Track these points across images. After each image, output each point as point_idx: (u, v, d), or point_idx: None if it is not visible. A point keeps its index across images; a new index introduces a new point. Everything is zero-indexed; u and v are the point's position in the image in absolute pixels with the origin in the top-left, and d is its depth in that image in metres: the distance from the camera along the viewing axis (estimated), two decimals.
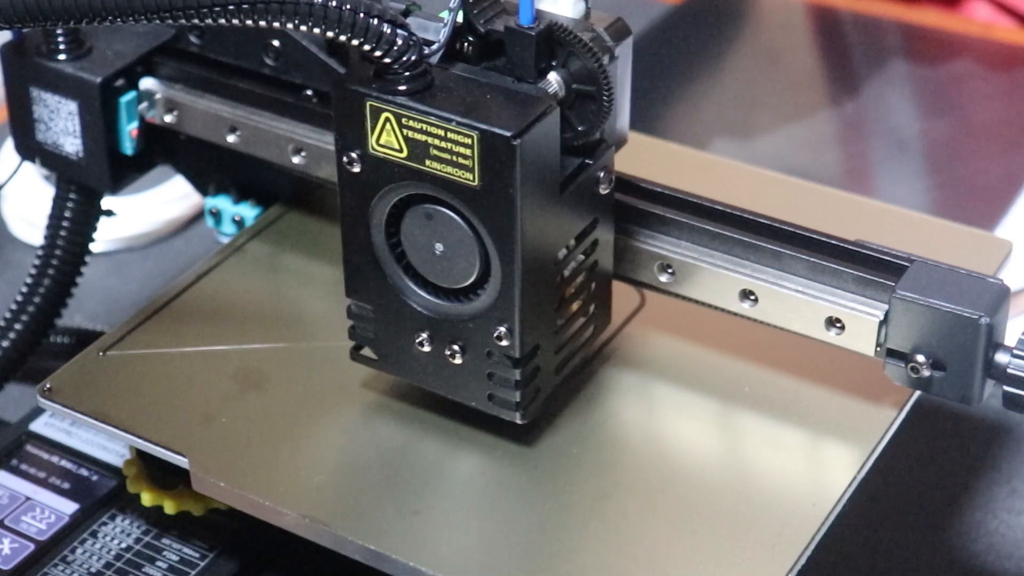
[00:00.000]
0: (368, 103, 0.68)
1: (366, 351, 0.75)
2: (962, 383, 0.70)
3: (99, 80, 0.82)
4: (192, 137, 0.85)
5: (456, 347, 0.71)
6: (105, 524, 0.80)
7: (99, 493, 0.82)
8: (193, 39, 0.84)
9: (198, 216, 1.10)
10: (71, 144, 0.84)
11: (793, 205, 0.78)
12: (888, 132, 1.20)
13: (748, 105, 1.24)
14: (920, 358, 0.70)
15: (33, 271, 0.86)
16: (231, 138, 0.83)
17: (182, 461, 0.73)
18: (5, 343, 0.86)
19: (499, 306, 0.69)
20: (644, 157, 0.80)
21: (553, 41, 0.69)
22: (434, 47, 0.69)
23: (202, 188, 0.90)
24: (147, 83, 0.84)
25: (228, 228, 0.88)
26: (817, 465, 0.74)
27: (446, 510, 0.71)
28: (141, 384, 0.77)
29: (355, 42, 0.66)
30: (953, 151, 1.19)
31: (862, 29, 1.33)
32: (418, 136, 0.67)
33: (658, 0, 1.36)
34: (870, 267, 0.72)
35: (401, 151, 0.68)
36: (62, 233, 0.86)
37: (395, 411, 0.76)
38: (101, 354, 0.78)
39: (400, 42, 0.66)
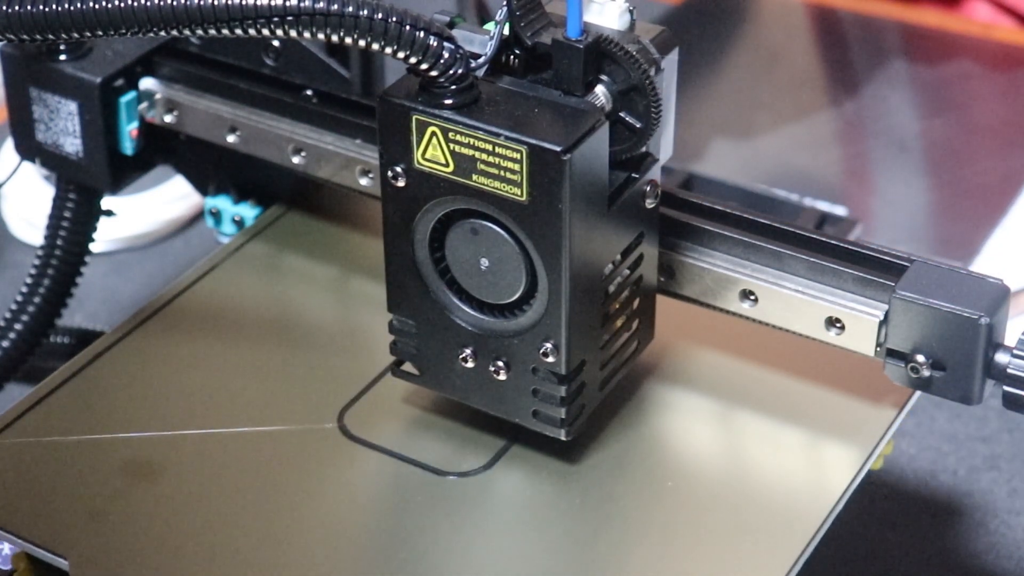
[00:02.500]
0: (414, 117, 0.67)
1: (407, 367, 0.73)
2: (962, 383, 0.70)
3: (99, 80, 0.82)
4: (192, 137, 0.85)
5: (500, 363, 0.70)
6: None
7: None
8: (193, 39, 0.84)
9: (198, 216, 1.11)
10: (71, 144, 0.84)
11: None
12: (888, 132, 1.20)
13: (748, 105, 1.24)
14: (920, 358, 0.70)
15: (33, 271, 0.86)
16: (231, 138, 0.83)
17: (62, 563, 0.68)
18: (5, 343, 0.86)
19: (545, 322, 0.68)
20: None
21: (600, 54, 0.68)
22: (480, 60, 0.67)
23: (202, 188, 0.90)
24: (147, 83, 0.84)
25: (228, 228, 0.88)
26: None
27: None
28: (25, 476, 0.72)
29: (401, 55, 0.65)
30: (953, 151, 1.19)
31: (862, 29, 1.33)
32: (465, 151, 0.66)
33: (658, 0, 1.36)
34: (870, 267, 0.72)
35: (447, 166, 0.67)
36: (62, 233, 0.86)
37: (303, 512, 0.71)
38: None
39: (447, 55, 0.65)
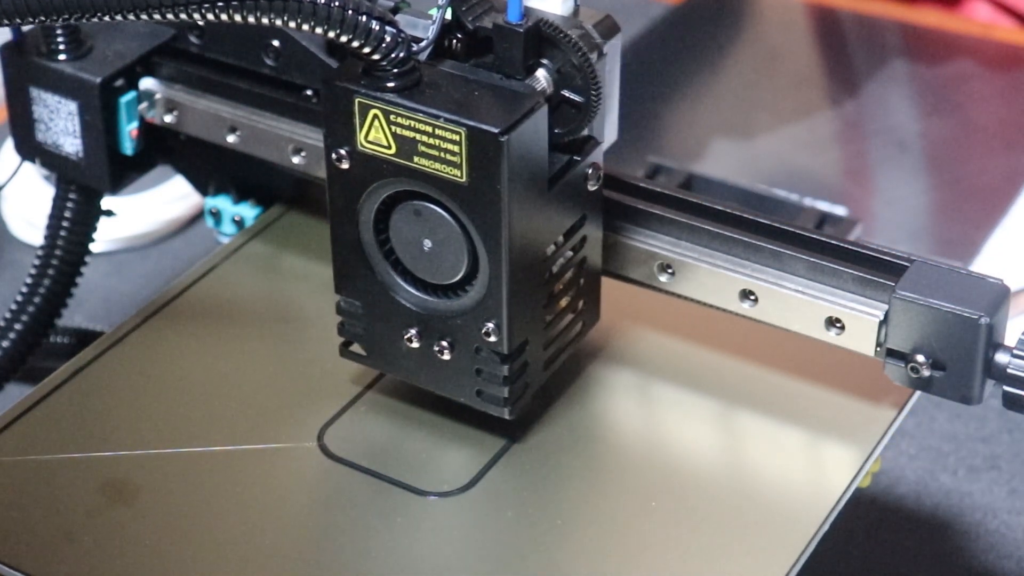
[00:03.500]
0: (357, 100, 0.68)
1: (355, 347, 0.74)
2: (962, 383, 0.70)
3: (99, 80, 0.82)
4: (192, 137, 0.85)
5: (444, 343, 0.71)
6: None
7: None
8: (193, 39, 0.84)
9: (198, 216, 1.11)
10: (71, 144, 0.84)
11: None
12: (888, 132, 1.20)
13: (748, 105, 1.24)
14: (920, 358, 0.70)
15: (33, 271, 0.86)
16: (231, 138, 0.83)
17: None
18: (5, 343, 0.86)
19: (487, 302, 0.70)
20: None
21: (541, 38, 0.69)
22: (422, 44, 0.69)
23: (202, 188, 0.90)
24: (147, 83, 0.84)
25: (228, 228, 0.88)
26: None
27: None
28: (2, 496, 0.71)
29: (344, 39, 0.66)
30: (953, 151, 1.19)
31: (862, 29, 1.33)
32: (406, 133, 0.68)
33: (658, 0, 1.36)
34: (870, 267, 0.72)
35: (389, 148, 0.68)
36: (62, 233, 0.86)
37: (283, 531, 0.70)
38: None
39: (389, 39, 0.67)
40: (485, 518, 0.71)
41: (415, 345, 0.72)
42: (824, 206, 1.07)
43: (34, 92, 0.84)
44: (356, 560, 0.69)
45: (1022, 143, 1.19)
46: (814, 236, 0.73)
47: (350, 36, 0.66)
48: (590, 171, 0.72)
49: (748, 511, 0.71)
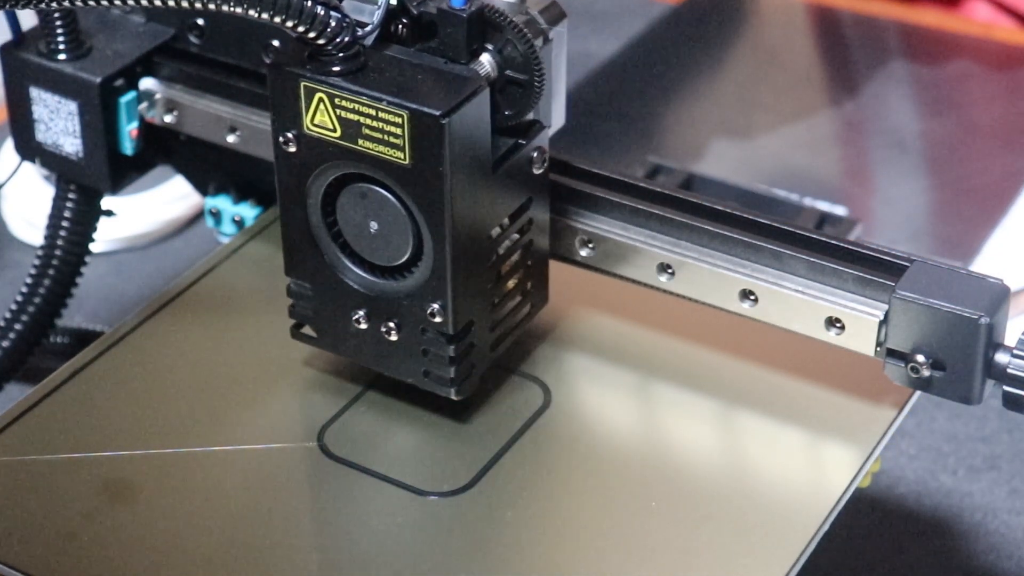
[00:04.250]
0: (302, 84, 0.69)
1: (306, 329, 0.75)
2: (962, 383, 0.70)
3: (99, 80, 0.82)
4: (192, 137, 0.85)
5: (392, 324, 0.72)
6: None
7: None
8: (193, 39, 0.84)
9: (198, 216, 1.11)
10: (71, 144, 0.84)
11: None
12: (888, 132, 1.20)
13: (748, 105, 1.24)
14: (920, 358, 0.70)
15: (33, 271, 0.86)
16: (231, 138, 0.83)
17: None
18: (5, 343, 0.86)
19: (432, 283, 0.71)
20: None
21: (486, 23, 0.70)
22: (367, 29, 0.70)
23: (202, 188, 0.90)
24: (147, 83, 0.84)
25: (228, 228, 0.88)
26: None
27: None
28: (2, 496, 0.71)
29: (289, 24, 0.67)
30: (953, 151, 1.19)
31: (862, 29, 1.33)
32: (351, 116, 0.69)
33: (658, 0, 1.36)
34: (870, 267, 0.72)
35: (335, 131, 0.69)
36: (62, 233, 0.86)
37: (281, 532, 0.70)
38: None
39: (334, 24, 0.68)
40: (485, 518, 0.71)
41: (363, 326, 0.73)
42: (824, 206, 1.07)
43: (34, 92, 0.84)
44: (356, 560, 0.69)
45: (1022, 143, 1.19)
46: (814, 236, 0.73)
47: (295, 21, 0.67)
48: (535, 155, 0.73)
49: (748, 511, 0.71)
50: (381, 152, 0.69)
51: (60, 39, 0.82)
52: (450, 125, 0.67)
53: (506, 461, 0.73)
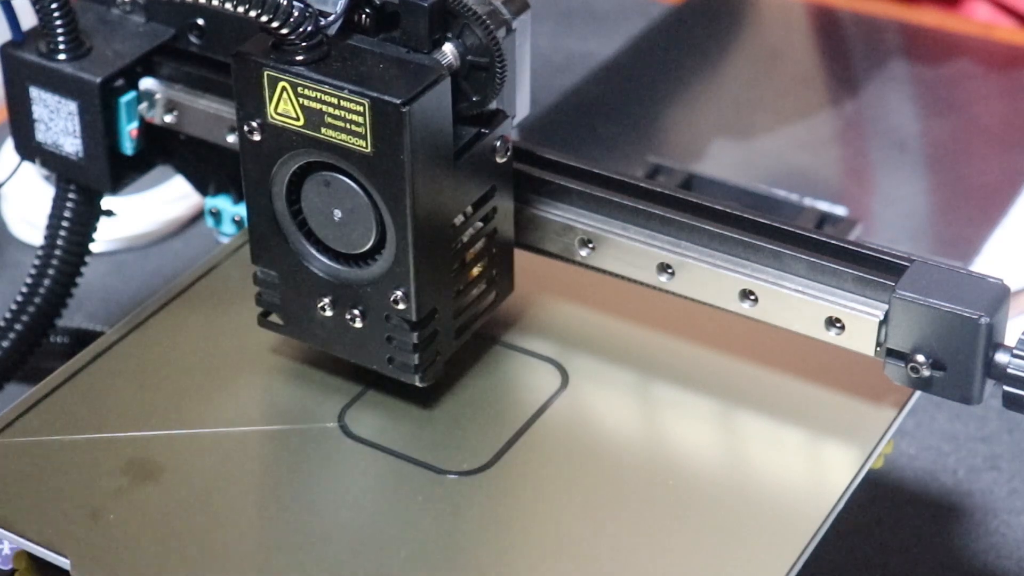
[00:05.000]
0: (266, 73, 0.70)
1: (273, 317, 0.76)
2: (962, 383, 0.70)
3: (99, 80, 0.82)
4: (192, 137, 0.85)
5: (356, 311, 0.73)
6: None
7: None
8: (193, 39, 0.84)
9: (198, 216, 1.11)
10: (71, 144, 0.84)
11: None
12: (888, 132, 1.20)
13: (748, 105, 1.24)
14: (920, 358, 0.70)
15: (33, 271, 0.86)
16: (231, 138, 0.83)
17: (64, 562, 0.69)
18: (5, 343, 0.86)
19: (395, 270, 0.71)
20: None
21: (448, 12, 0.71)
22: (331, 19, 0.71)
23: (202, 188, 0.90)
24: (147, 83, 0.84)
25: (228, 228, 0.88)
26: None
27: None
28: (27, 475, 0.72)
29: (252, 13, 0.68)
30: (953, 151, 1.19)
31: (862, 29, 1.33)
32: (313, 104, 0.69)
33: (658, 0, 1.36)
34: (870, 267, 0.72)
35: (298, 119, 0.70)
36: (62, 233, 0.86)
37: (304, 508, 0.71)
38: None
39: (296, 13, 0.69)
40: (503, 497, 0.72)
41: (328, 314, 0.74)
42: (824, 206, 1.07)
43: (34, 92, 0.84)
44: (376, 538, 0.70)
45: (1022, 143, 1.19)
46: (814, 236, 0.73)
47: (259, 11, 0.68)
48: (498, 144, 0.73)
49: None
50: (344, 140, 0.70)
51: (60, 39, 0.82)
52: (411, 113, 0.68)
53: (524, 442, 0.74)
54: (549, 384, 0.77)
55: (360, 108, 0.69)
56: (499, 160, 0.74)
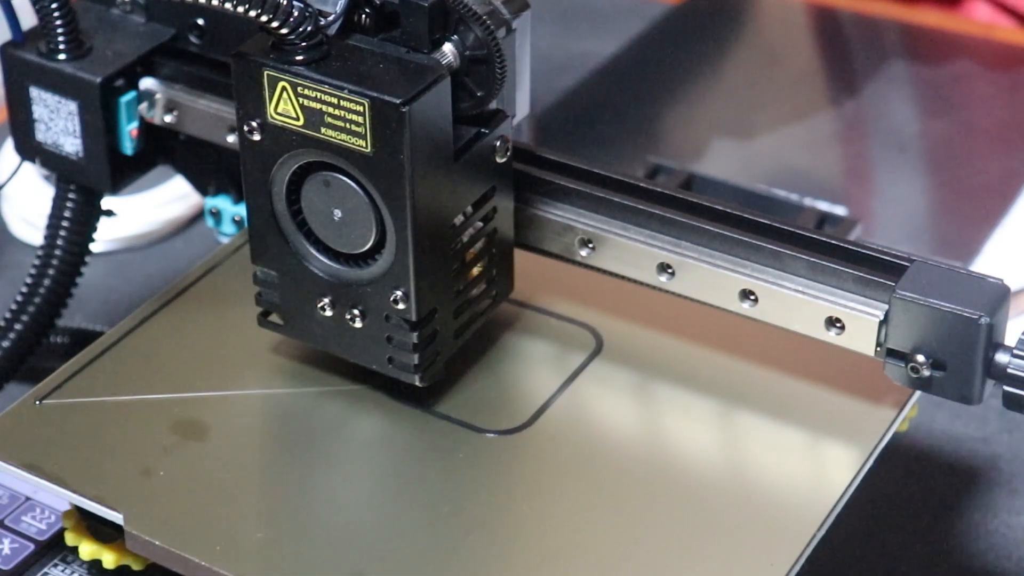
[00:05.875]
0: (266, 72, 0.70)
1: (273, 317, 0.76)
2: (962, 383, 0.70)
3: (99, 80, 0.82)
4: (192, 137, 0.85)
5: (356, 311, 0.73)
6: None
7: None
8: (193, 39, 0.84)
9: (198, 216, 1.10)
10: (71, 144, 0.84)
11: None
12: (888, 132, 1.20)
13: (748, 105, 1.24)
14: (920, 358, 0.70)
15: (33, 271, 0.86)
16: (231, 138, 0.83)
17: (117, 517, 0.71)
18: (5, 343, 0.86)
19: (395, 270, 0.71)
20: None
21: (448, 12, 0.71)
22: (331, 18, 0.71)
23: (202, 188, 0.90)
24: (147, 83, 0.84)
25: (228, 228, 0.88)
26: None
27: (389, 574, 0.69)
28: (78, 435, 0.74)
29: (252, 13, 0.68)
30: (953, 151, 1.19)
31: (862, 29, 1.33)
32: (313, 104, 0.70)
33: (658, 0, 1.36)
34: (870, 267, 0.72)
35: (298, 119, 0.70)
36: (62, 233, 0.86)
37: (349, 463, 0.74)
38: (38, 402, 0.76)
39: (296, 13, 0.69)
40: (541, 455, 0.74)
41: (328, 313, 0.74)
42: (824, 206, 1.07)
43: (34, 92, 0.84)
44: (417, 495, 0.72)
45: (1022, 143, 1.19)
46: (814, 236, 0.73)
47: (259, 11, 0.68)
48: (498, 143, 0.74)
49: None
50: (344, 140, 0.70)
51: (60, 39, 0.82)
52: (411, 113, 0.68)
53: (560, 402, 0.76)
54: (584, 348, 0.78)
55: (360, 108, 0.69)
56: (499, 160, 0.74)
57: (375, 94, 0.68)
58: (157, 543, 0.70)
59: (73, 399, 0.76)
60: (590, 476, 0.73)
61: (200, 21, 0.83)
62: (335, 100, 0.69)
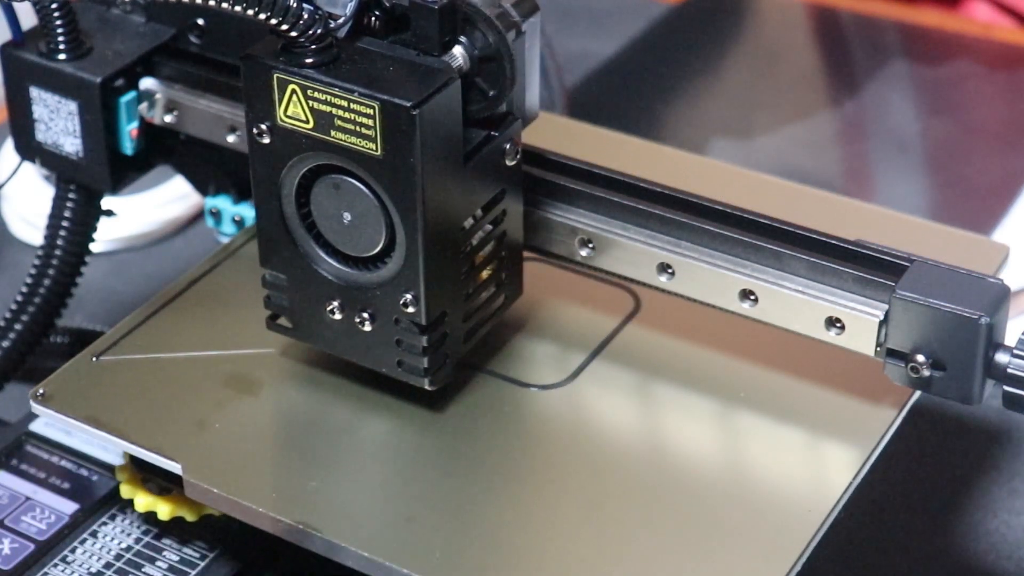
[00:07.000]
0: (275, 75, 0.70)
1: (282, 320, 0.76)
2: (962, 383, 0.70)
3: (99, 80, 0.82)
4: (192, 137, 0.85)
5: (365, 315, 0.73)
6: (105, 524, 0.80)
7: (98, 493, 0.82)
8: (193, 39, 0.84)
9: (198, 216, 1.11)
10: (71, 144, 0.84)
11: (789, 208, 0.78)
12: (888, 132, 1.20)
13: (748, 105, 1.24)
14: (920, 358, 0.70)
15: (33, 271, 0.86)
16: (231, 138, 0.83)
17: (175, 467, 0.73)
18: (5, 343, 0.86)
19: (405, 273, 0.71)
20: (638, 159, 0.81)
21: (459, 15, 0.71)
22: (340, 21, 0.71)
23: (202, 188, 0.90)
24: (147, 83, 0.84)
25: (228, 228, 0.88)
26: (817, 465, 0.74)
27: (438, 519, 0.71)
28: (134, 389, 0.77)
29: (262, 16, 0.68)
30: (953, 151, 1.19)
31: (862, 29, 1.33)
32: (323, 107, 0.69)
33: (658, 0, 1.36)
34: (870, 267, 0.72)
35: (308, 122, 0.70)
36: (62, 233, 0.86)
37: (396, 415, 0.75)
38: (94, 359, 0.78)
39: (306, 16, 0.69)
40: (581, 410, 0.76)
41: (337, 317, 0.74)
42: None
43: (34, 92, 0.84)
44: (464, 447, 0.74)
45: (1022, 143, 1.19)
46: (814, 236, 0.73)
47: (268, 13, 0.68)
48: (508, 146, 0.73)
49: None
50: (353, 143, 0.69)
51: (60, 39, 0.82)
52: (421, 116, 0.68)
53: (600, 359, 0.78)
54: (623, 307, 0.80)
55: (370, 111, 0.68)
56: (508, 163, 0.74)
57: (386, 97, 0.68)
58: (215, 491, 0.71)
59: (128, 355, 0.78)
60: (633, 428, 0.75)
61: (200, 21, 0.83)
62: (345, 103, 0.69)
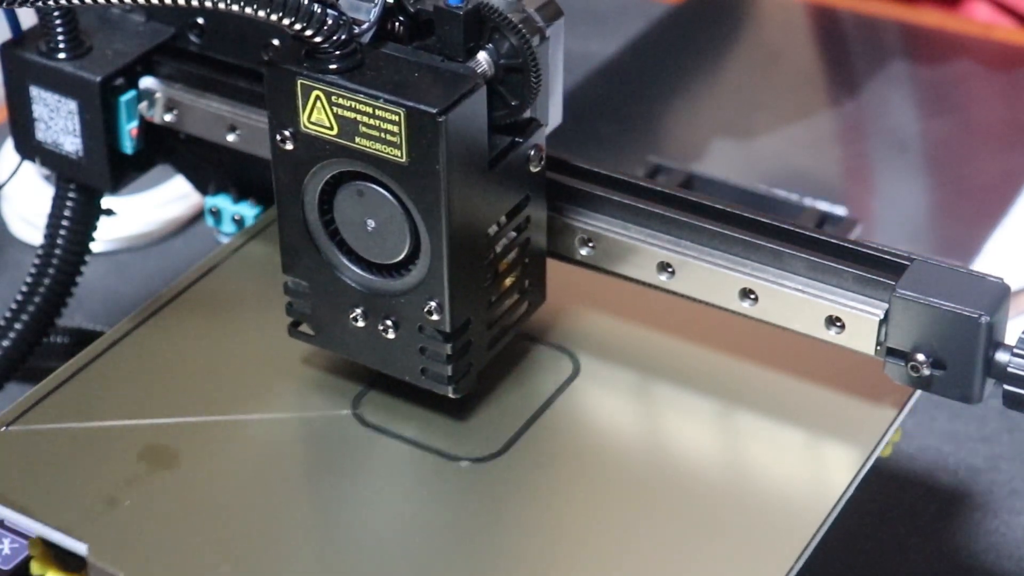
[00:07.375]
0: (299, 81, 0.69)
1: (303, 327, 0.76)
2: (962, 382, 0.70)
3: (99, 79, 0.82)
4: (192, 136, 0.85)
5: (389, 322, 0.72)
6: None
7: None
8: (193, 38, 0.84)
9: (198, 216, 1.11)
10: (71, 143, 0.84)
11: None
12: (888, 132, 1.20)
13: (748, 105, 1.24)
14: (920, 357, 0.70)
15: (33, 271, 0.86)
16: (231, 137, 0.83)
17: (81, 548, 0.69)
18: (5, 343, 0.86)
19: (429, 281, 0.71)
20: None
21: (483, 21, 0.70)
22: (364, 27, 0.70)
23: (202, 188, 0.90)
24: (147, 82, 0.84)
25: (228, 228, 0.88)
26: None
27: None
28: (44, 462, 0.73)
29: (286, 21, 0.67)
30: (953, 151, 1.19)
31: (862, 29, 1.33)
32: (348, 114, 0.69)
33: (658, 0, 1.36)
34: (870, 266, 0.72)
35: (332, 128, 0.69)
36: (62, 233, 0.86)
37: (322, 496, 0.72)
38: (4, 429, 0.75)
39: (330, 22, 0.68)
40: (516, 483, 0.73)
41: (360, 324, 0.73)
42: (824, 206, 1.07)
43: (34, 91, 0.84)
44: (391, 524, 0.71)
45: (1022, 143, 1.19)
46: (814, 235, 0.73)
47: (292, 19, 0.67)
48: (532, 153, 0.73)
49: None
50: (378, 150, 0.69)
51: (60, 38, 0.82)
52: (447, 123, 0.67)
53: (536, 429, 0.75)
54: (561, 373, 0.77)
55: (395, 117, 0.68)
56: (533, 169, 0.73)
57: (411, 103, 0.67)
58: (121, 575, 0.68)
59: (40, 425, 0.75)
60: (562, 506, 0.72)
61: (200, 20, 0.83)
62: (370, 109, 0.68)
